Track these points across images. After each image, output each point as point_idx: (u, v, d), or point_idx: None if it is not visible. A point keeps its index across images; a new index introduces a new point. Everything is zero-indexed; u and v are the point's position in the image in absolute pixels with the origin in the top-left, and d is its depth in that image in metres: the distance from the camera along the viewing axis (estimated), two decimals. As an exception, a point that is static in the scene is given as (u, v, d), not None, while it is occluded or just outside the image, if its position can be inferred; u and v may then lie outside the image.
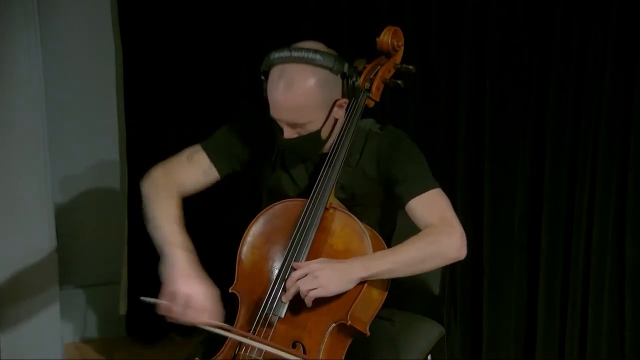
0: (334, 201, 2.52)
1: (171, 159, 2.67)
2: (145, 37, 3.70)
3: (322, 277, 2.34)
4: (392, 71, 2.71)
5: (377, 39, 2.68)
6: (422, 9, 3.50)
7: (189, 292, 2.33)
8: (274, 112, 2.47)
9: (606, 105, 3.27)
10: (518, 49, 3.39)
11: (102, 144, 3.91)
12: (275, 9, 3.62)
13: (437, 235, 2.44)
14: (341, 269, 2.36)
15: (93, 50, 3.80)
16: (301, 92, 2.41)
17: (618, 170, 3.31)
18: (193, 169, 2.66)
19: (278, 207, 2.58)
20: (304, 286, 2.34)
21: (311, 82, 2.42)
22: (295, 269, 2.40)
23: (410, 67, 2.72)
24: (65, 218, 3.81)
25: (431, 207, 2.50)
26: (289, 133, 2.48)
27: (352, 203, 2.59)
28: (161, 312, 2.33)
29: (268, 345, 2.36)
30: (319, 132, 2.50)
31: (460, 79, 3.50)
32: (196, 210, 3.88)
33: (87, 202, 3.95)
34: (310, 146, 2.54)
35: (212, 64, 3.75)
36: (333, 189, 2.52)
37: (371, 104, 2.66)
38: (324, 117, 2.49)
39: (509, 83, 3.42)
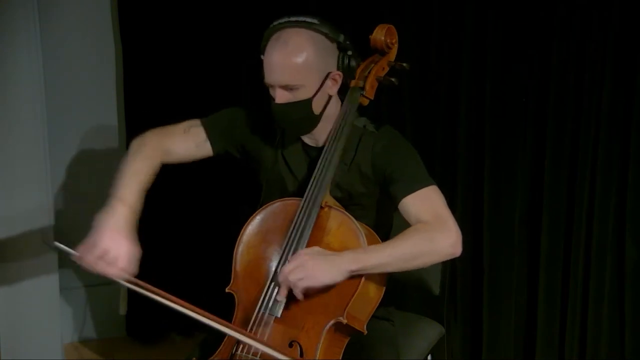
0: (329, 200, 2.52)
1: (168, 126, 2.69)
2: (145, 37, 3.71)
3: (311, 267, 2.33)
4: (386, 69, 2.71)
5: (370, 37, 2.68)
6: (422, 9, 3.50)
7: (108, 245, 2.32)
8: (268, 75, 2.48)
9: (606, 105, 3.26)
10: (518, 49, 3.38)
11: (102, 144, 3.91)
12: (275, 8, 3.62)
13: (432, 232, 2.42)
14: (331, 259, 2.35)
15: (93, 50, 3.81)
16: (296, 51, 2.44)
17: (618, 170, 3.30)
18: (187, 140, 2.68)
19: (274, 206, 2.58)
20: (292, 276, 2.33)
21: (307, 43, 2.46)
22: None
23: (405, 64, 2.72)
24: (65, 218, 3.81)
25: (425, 204, 2.49)
26: (280, 97, 2.49)
27: (349, 202, 2.59)
28: (75, 259, 2.32)
29: (252, 339, 2.37)
30: (310, 101, 2.50)
31: (460, 79, 3.50)
32: (195, 209, 3.92)
33: (87, 201, 3.93)
34: (301, 116, 2.53)
35: (213, 64, 3.76)
36: (328, 188, 2.52)
37: (365, 102, 2.66)
38: (316, 86, 2.50)
39: (509, 83, 3.41)
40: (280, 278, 2.37)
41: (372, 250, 2.41)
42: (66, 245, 3.72)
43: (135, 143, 2.61)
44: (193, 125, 2.69)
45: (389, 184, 2.55)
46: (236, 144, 2.72)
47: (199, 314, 2.33)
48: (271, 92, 2.51)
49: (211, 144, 2.68)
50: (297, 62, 2.44)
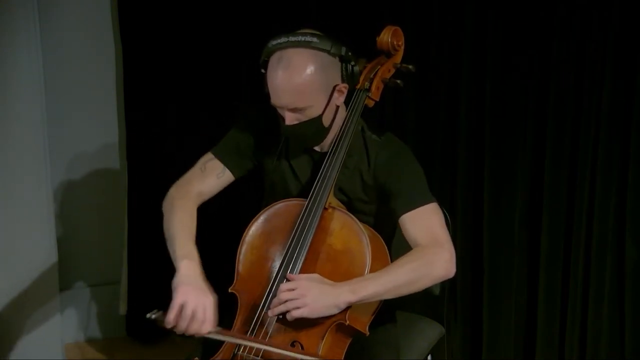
0: (333, 201, 2.52)
1: (186, 174, 2.68)
2: (145, 37, 3.70)
3: (309, 298, 2.34)
4: (392, 71, 2.71)
5: (376, 39, 2.68)
6: (422, 9, 3.50)
7: (197, 305, 2.31)
8: (274, 99, 2.46)
9: (606, 105, 3.27)
10: (518, 49, 3.38)
11: (102, 144, 3.91)
12: (275, 9, 3.62)
13: (426, 257, 2.42)
14: (329, 293, 2.35)
15: (93, 50, 3.80)
16: (300, 73, 2.41)
17: (618, 170, 3.31)
18: (208, 177, 2.66)
19: (278, 207, 2.58)
20: (290, 304, 2.34)
21: (309, 64, 2.42)
22: (288, 280, 2.41)
23: (410, 66, 2.72)
24: (65, 218, 3.81)
25: (422, 223, 2.49)
26: (290, 119, 2.47)
27: (350, 207, 2.59)
28: (166, 325, 2.32)
29: (268, 345, 2.37)
30: (320, 117, 2.49)
31: (460, 79, 3.50)
32: (198, 210, 3.91)
33: (87, 202, 3.95)
34: (312, 132, 2.53)
35: (213, 64, 3.75)
36: (332, 189, 2.52)
37: (371, 103, 2.66)
38: (325, 102, 2.49)
39: (509, 83, 3.42)
40: (275, 302, 2.38)
41: (369, 279, 2.39)
42: (65, 244, 3.76)
43: (167, 204, 2.60)
44: (207, 160, 2.67)
45: (389, 198, 2.55)
46: (249, 159, 2.70)
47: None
48: (280, 112, 2.50)
49: (230, 170, 2.67)
50: (302, 85, 2.42)
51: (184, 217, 2.54)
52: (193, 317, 2.31)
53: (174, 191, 2.63)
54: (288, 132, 2.51)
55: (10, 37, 3.39)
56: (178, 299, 2.31)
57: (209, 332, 2.34)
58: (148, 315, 2.37)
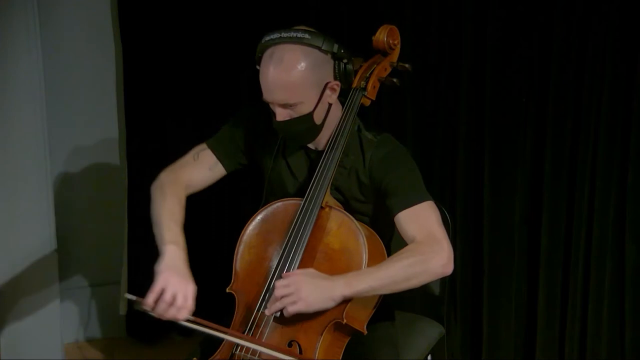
0: (330, 200, 2.52)
1: (178, 161, 2.69)
2: (145, 37, 3.70)
3: (304, 291, 2.33)
4: (389, 70, 2.70)
5: (372, 38, 2.68)
6: (422, 8, 3.50)
7: (177, 291, 2.33)
8: (266, 94, 2.47)
9: (606, 106, 3.27)
10: (518, 49, 3.38)
11: (102, 143, 3.91)
12: (274, 8, 3.62)
13: (424, 253, 2.41)
14: (324, 286, 2.35)
15: (93, 50, 3.80)
16: (291, 69, 2.42)
17: (618, 171, 3.31)
18: (199, 167, 2.68)
19: (275, 207, 2.58)
20: (286, 300, 2.34)
21: (301, 60, 2.43)
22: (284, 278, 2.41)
23: (407, 65, 2.71)
24: (66, 218, 3.81)
25: (419, 221, 2.48)
26: (281, 115, 2.48)
27: (347, 207, 2.59)
28: (144, 308, 2.35)
29: (257, 344, 2.38)
30: (311, 115, 2.49)
31: (460, 79, 3.50)
32: (196, 209, 3.91)
33: (87, 202, 3.95)
34: (303, 129, 2.52)
35: (212, 63, 3.76)
36: (329, 188, 2.52)
37: (367, 102, 2.65)
38: (316, 99, 2.49)
39: (509, 83, 3.42)
40: (270, 301, 2.38)
41: (364, 274, 2.39)
42: (66, 243, 3.76)
43: (156, 188, 2.61)
44: (200, 150, 2.69)
45: (385, 197, 2.54)
46: (243, 154, 2.71)
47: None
48: (271, 107, 2.50)
49: (222, 164, 2.69)
50: (292, 81, 2.42)
51: (173, 203, 2.55)
52: (172, 302, 2.32)
53: (165, 176, 2.64)
54: (279, 128, 2.52)
55: (10, 37, 3.39)
56: (160, 283, 2.34)
57: (187, 320, 2.35)
58: (126, 296, 2.41)
